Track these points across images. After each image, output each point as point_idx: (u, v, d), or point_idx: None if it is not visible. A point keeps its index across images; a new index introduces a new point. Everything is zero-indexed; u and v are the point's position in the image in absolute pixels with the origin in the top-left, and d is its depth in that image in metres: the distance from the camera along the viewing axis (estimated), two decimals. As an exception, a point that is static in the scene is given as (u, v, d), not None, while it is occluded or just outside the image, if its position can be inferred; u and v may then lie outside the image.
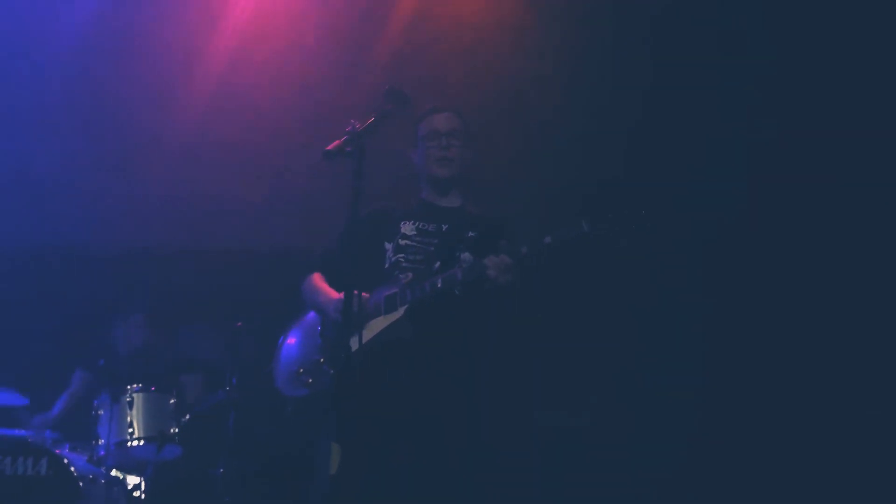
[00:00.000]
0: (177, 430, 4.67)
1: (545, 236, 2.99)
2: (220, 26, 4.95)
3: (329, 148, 2.79)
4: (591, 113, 4.84)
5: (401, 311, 3.14)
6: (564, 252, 3.01)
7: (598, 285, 4.85)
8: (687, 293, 4.84)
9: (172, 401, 4.74)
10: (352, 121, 2.84)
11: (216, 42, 5.01)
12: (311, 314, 3.43)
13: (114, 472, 4.62)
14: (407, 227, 3.31)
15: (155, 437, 4.61)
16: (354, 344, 2.95)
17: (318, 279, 3.40)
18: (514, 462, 4.68)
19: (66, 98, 5.15)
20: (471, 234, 3.29)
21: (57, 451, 4.34)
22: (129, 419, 4.63)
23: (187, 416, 4.74)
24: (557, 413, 5.00)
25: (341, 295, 3.15)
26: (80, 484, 4.22)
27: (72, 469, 4.25)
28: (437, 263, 3.20)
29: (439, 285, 3.09)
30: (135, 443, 4.61)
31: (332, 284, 3.35)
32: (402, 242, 3.28)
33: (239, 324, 4.79)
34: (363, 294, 3.06)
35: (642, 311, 4.95)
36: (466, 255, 3.14)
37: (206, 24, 4.90)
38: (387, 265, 3.27)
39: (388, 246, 3.30)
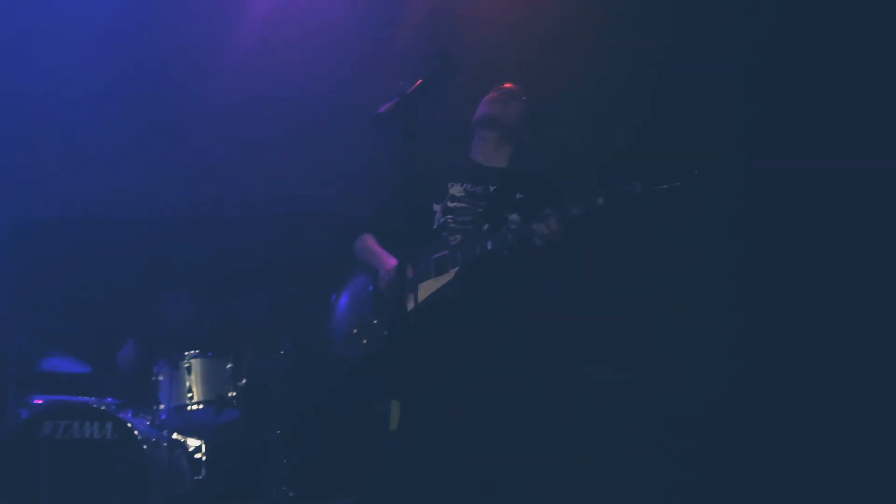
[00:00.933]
0: (234, 393, 4.78)
1: (597, 197, 3.00)
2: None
3: (380, 111, 2.81)
4: (638, 70, 4.79)
5: (451, 274, 3.17)
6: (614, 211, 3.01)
7: (645, 240, 4.83)
8: (737, 252, 4.80)
9: (229, 365, 4.84)
10: (401, 83, 2.86)
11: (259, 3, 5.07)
12: (363, 274, 3.47)
13: (175, 436, 4.74)
14: (455, 189, 3.34)
15: (213, 400, 4.72)
16: (407, 306, 3.02)
17: (369, 240, 3.45)
18: (564, 418, 4.73)
19: (114, 67, 5.23)
20: (519, 195, 3.30)
21: (121, 415, 4.46)
22: (187, 384, 4.75)
23: (244, 381, 4.85)
24: (604, 368, 5.03)
25: (393, 260, 3.22)
26: (144, 447, 4.34)
27: (136, 433, 4.36)
28: (486, 225, 3.22)
29: (489, 248, 3.11)
30: (194, 407, 4.72)
31: (383, 245, 3.40)
32: (450, 204, 3.31)
33: (291, 289, 4.87)
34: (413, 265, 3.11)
35: (688, 269, 4.92)
36: (515, 217, 3.16)
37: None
38: (435, 226, 3.30)
39: (437, 207, 3.33)
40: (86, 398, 4.68)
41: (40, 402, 4.69)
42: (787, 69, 4.52)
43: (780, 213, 4.62)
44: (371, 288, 3.36)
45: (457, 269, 3.17)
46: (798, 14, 4.42)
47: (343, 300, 3.50)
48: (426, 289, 3.18)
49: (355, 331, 3.34)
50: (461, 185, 3.35)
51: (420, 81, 2.88)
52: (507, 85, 3.50)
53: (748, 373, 4.68)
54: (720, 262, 4.82)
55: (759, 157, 4.57)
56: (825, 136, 4.45)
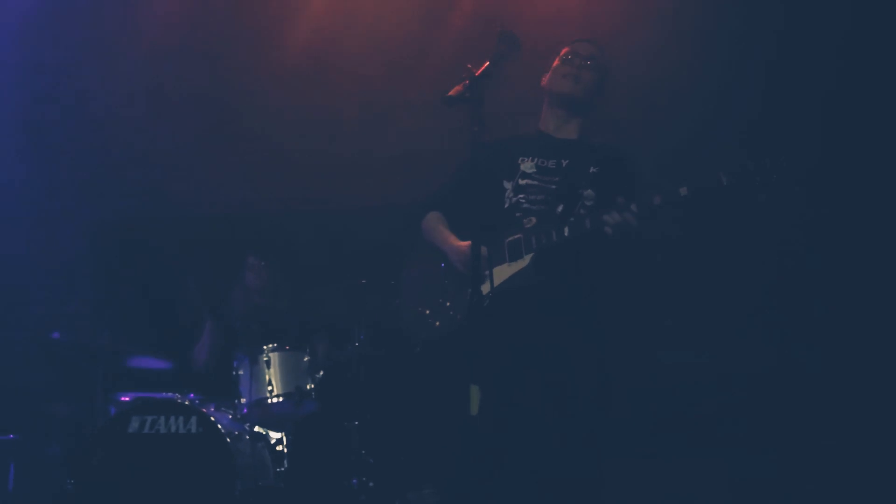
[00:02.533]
0: (312, 385, 4.84)
1: (681, 186, 2.92)
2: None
3: (450, 94, 2.79)
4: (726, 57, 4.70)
5: (527, 260, 3.11)
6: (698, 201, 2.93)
7: (722, 227, 4.74)
8: (820, 241, 4.67)
9: (306, 358, 4.91)
10: (468, 66, 2.84)
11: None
12: (433, 254, 3.38)
13: (257, 429, 4.82)
14: (526, 165, 3.25)
15: (292, 393, 4.78)
16: (482, 289, 2.99)
17: (437, 219, 3.39)
18: (638, 400, 4.67)
19: (176, 69, 5.35)
20: (593, 169, 3.21)
21: (204, 410, 4.55)
22: (267, 378, 4.82)
23: (321, 373, 4.91)
24: (680, 352, 4.95)
25: (464, 244, 3.18)
26: (228, 440, 4.42)
27: (219, 426, 4.45)
28: (560, 206, 3.15)
29: (566, 234, 3.05)
30: (274, 400, 4.79)
31: (451, 225, 3.34)
32: (521, 182, 3.23)
33: (363, 281, 4.90)
34: (484, 248, 3.07)
35: (766, 257, 4.81)
36: (590, 193, 3.09)
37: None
38: (506, 205, 3.22)
39: (508, 185, 3.24)
40: (170, 394, 4.79)
41: (127, 398, 4.82)
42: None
43: (866, 206, 4.49)
44: (443, 265, 3.30)
45: (532, 255, 3.11)
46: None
47: (413, 279, 3.43)
48: (500, 273, 3.13)
49: (428, 311, 3.29)
50: (532, 161, 3.26)
51: (487, 63, 2.86)
52: (580, 48, 3.33)
53: (826, 361, 4.57)
54: (800, 252, 4.71)
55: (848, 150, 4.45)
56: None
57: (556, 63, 3.36)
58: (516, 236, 3.14)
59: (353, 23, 5.12)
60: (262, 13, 5.15)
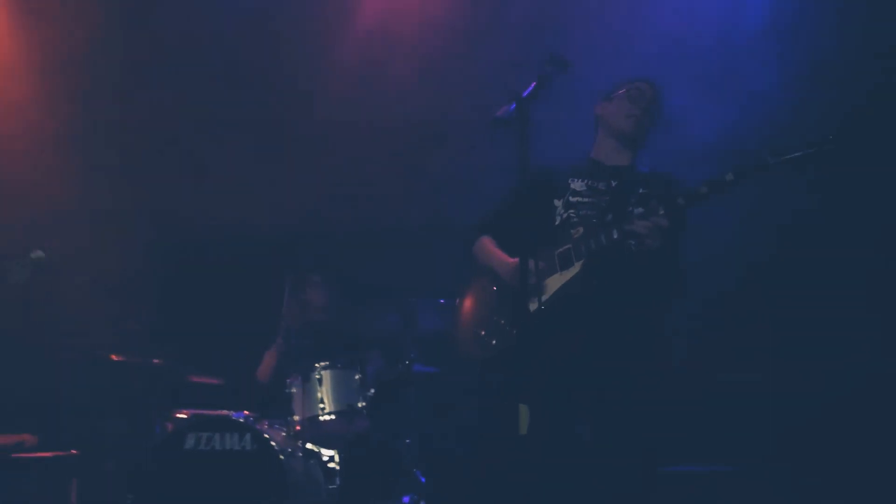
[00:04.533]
0: (364, 403, 4.88)
1: (726, 174, 2.94)
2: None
3: (497, 116, 2.83)
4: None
5: (577, 267, 3.13)
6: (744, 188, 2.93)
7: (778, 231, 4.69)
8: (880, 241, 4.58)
9: (357, 376, 4.94)
10: (515, 87, 2.88)
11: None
12: (485, 276, 3.43)
13: (309, 446, 4.87)
14: (576, 184, 3.30)
15: (344, 410, 4.83)
16: (535, 304, 3.01)
17: (489, 242, 3.44)
18: (693, 414, 4.62)
19: (230, 90, 5.49)
20: (642, 190, 3.25)
21: (258, 427, 4.62)
22: (319, 395, 4.87)
23: (372, 390, 4.95)
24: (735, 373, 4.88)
25: (516, 259, 3.20)
26: (281, 457, 4.49)
27: (272, 443, 4.52)
28: (609, 216, 3.18)
29: (615, 236, 3.06)
30: (326, 417, 4.84)
31: (502, 246, 3.38)
32: (572, 199, 3.27)
33: (414, 299, 4.94)
34: (537, 262, 3.09)
35: (826, 266, 4.73)
36: (639, 210, 3.11)
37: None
38: (557, 222, 3.26)
39: (558, 203, 3.29)
40: (225, 411, 4.88)
41: (183, 415, 4.92)
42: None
43: None
44: (496, 288, 3.35)
45: (582, 261, 3.13)
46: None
47: (467, 302, 3.48)
48: (552, 284, 3.15)
49: (483, 332, 3.32)
50: (582, 181, 3.32)
51: (534, 84, 2.89)
52: (645, 90, 3.37)
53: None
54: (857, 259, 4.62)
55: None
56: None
57: (617, 98, 3.40)
58: (566, 247, 3.17)
59: (397, 44, 5.20)
60: (309, 36, 5.26)
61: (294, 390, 4.93)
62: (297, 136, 5.62)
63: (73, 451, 4.94)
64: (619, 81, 3.45)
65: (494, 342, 3.27)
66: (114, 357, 4.96)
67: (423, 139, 5.52)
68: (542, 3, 5.11)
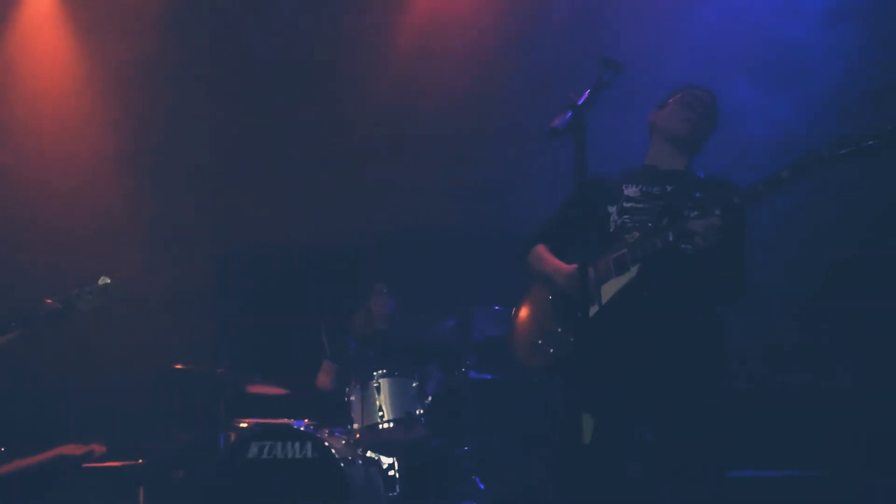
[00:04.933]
0: (422, 411, 4.91)
1: (782, 170, 2.91)
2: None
3: (553, 125, 2.82)
4: None
5: (634, 271, 3.10)
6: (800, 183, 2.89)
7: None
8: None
9: (415, 384, 4.97)
10: (570, 94, 2.87)
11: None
12: (541, 284, 3.42)
13: (369, 454, 4.92)
14: (631, 190, 3.28)
15: (403, 418, 4.86)
16: (592, 310, 3.00)
17: (543, 250, 3.42)
18: (754, 415, 4.55)
19: (288, 101, 5.57)
20: (697, 194, 3.21)
21: (319, 435, 4.68)
22: (377, 403, 4.91)
23: (430, 398, 4.97)
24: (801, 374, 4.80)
25: (571, 266, 3.20)
26: (342, 465, 4.53)
27: (333, 451, 4.57)
28: (665, 220, 3.15)
29: (671, 239, 3.03)
30: (385, 425, 4.87)
31: (556, 254, 3.37)
32: (626, 205, 3.25)
33: (469, 306, 4.95)
34: (591, 268, 3.08)
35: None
36: (696, 214, 3.08)
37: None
38: (612, 228, 3.24)
39: (612, 209, 3.27)
40: (286, 420, 4.95)
41: (246, 425, 5.00)
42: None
43: None
44: (551, 297, 3.34)
45: (638, 265, 3.10)
46: None
47: (523, 312, 3.47)
48: (609, 289, 3.13)
49: (540, 341, 3.31)
50: (636, 187, 3.29)
51: (589, 91, 2.88)
52: (702, 96, 3.35)
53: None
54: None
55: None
56: None
57: (672, 104, 3.37)
58: (621, 251, 3.15)
59: (445, 54, 5.23)
60: (360, 49, 5.32)
61: (353, 399, 4.99)
62: (354, 148, 5.68)
63: (140, 461, 5.05)
64: (674, 88, 3.42)
65: (552, 350, 3.26)
66: (178, 367, 5.07)
67: (475, 147, 5.54)
68: (587, 3, 5.08)
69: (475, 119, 5.46)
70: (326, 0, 5.44)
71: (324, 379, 5.42)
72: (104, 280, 4.18)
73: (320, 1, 5.40)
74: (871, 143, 2.84)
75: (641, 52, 4.52)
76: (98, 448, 5.01)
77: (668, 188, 3.27)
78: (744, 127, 4.71)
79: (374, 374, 4.96)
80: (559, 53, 5.07)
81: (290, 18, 5.52)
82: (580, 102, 2.81)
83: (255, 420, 5.04)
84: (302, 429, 4.72)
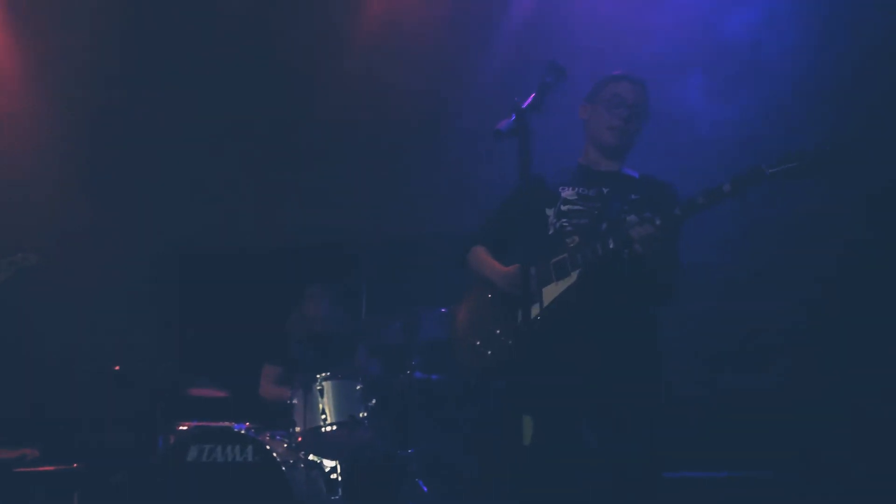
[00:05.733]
0: (365, 413, 4.88)
1: (723, 184, 2.93)
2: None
3: (499, 127, 2.83)
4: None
5: (574, 276, 3.12)
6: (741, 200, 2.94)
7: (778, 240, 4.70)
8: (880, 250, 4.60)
9: (359, 386, 4.93)
10: (515, 99, 2.88)
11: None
12: (480, 286, 3.42)
13: (311, 457, 4.87)
14: (567, 193, 3.29)
15: (346, 421, 4.81)
16: (532, 313, 3.01)
17: (483, 252, 3.42)
18: (694, 423, 4.62)
19: (229, 102, 5.50)
20: (633, 196, 3.24)
21: (260, 438, 4.62)
22: (320, 406, 4.85)
23: (373, 401, 4.94)
24: (739, 375, 4.89)
25: (511, 268, 3.21)
26: (283, 469, 4.49)
27: (274, 455, 4.52)
28: (604, 224, 3.18)
29: (611, 246, 3.06)
30: (328, 428, 4.82)
31: (496, 256, 3.37)
32: (563, 208, 3.26)
33: (416, 308, 4.94)
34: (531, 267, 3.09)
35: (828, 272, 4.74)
36: (632, 217, 3.11)
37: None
38: (551, 231, 3.25)
39: (550, 212, 3.28)
40: (227, 423, 4.87)
41: (185, 427, 4.91)
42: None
43: None
44: (490, 298, 3.33)
45: (578, 270, 3.12)
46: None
47: (463, 313, 3.47)
48: (549, 293, 3.14)
49: (479, 342, 3.31)
50: (573, 189, 3.30)
51: (533, 95, 2.89)
52: (625, 92, 3.31)
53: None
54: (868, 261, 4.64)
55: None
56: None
57: (599, 105, 3.35)
58: (562, 256, 3.17)
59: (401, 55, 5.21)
60: (310, 41, 5.28)
61: (295, 401, 4.93)
62: (294, 146, 5.62)
63: (75, 465, 4.93)
64: (600, 80, 3.38)
65: (490, 352, 3.26)
66: (117, 368, 4.96)
67: (423, 147, 5.53)
68: (544, 6, 5.10)
69: (423, 121, 5.45)
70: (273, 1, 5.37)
71: (267, 386, 5.34)
72: (24, 255, 4.06)
73: (267, 2, 5.33)
74: (806, 162, 2.86)
75: (595, 56, 4.55)
76: (30, 452, 4.89)
77: (604, 190, 3.29)
78: (692, 129, 4.77)
79: (318, 376, 4.92)
80: (513, 58, 5.08)
81: (235, 20, 5.44)
82: (524, 106, 2.83)
83: (195, 423, 4.95)
84: (242, 432, 4.66)
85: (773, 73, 4.74)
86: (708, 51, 4.79)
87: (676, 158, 4.39)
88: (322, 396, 4.88)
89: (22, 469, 4.78)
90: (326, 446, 4.93)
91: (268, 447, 4.56)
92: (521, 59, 4.97)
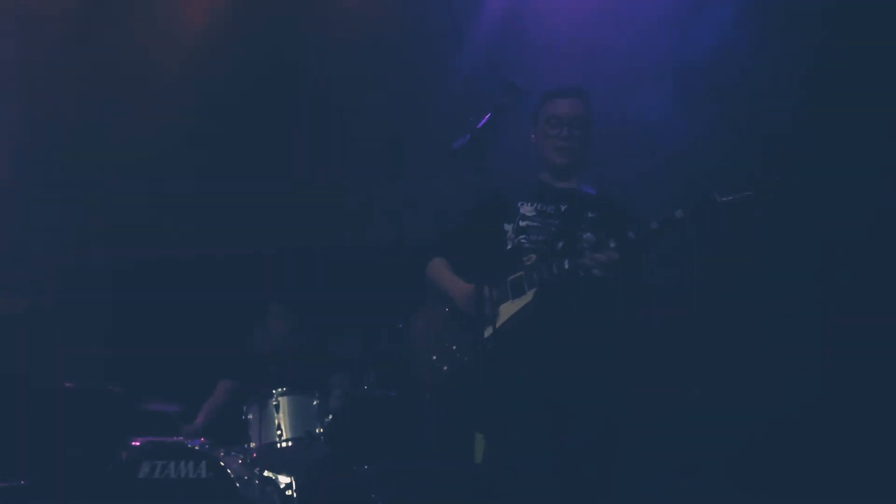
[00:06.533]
0: (322, 429, 4.85)
1: (676, 210, 2.96)
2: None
3: (455, 146, 2.85)
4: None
5: (529, 295, 3.13)
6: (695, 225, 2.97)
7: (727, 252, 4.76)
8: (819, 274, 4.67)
9: (316, 402, 4.91)
10: (470, 118, 2.90)
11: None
12: (438, 299, 3.40)
13: (266, 473, 4.82)
14: (526, 209, 3.30)
15: (302, 437, 4.79)
16: (487, 331, 3.02)
17: (442, 265, 3.41)
18: (649, 441, 4.65)
19: (187, 113, 5.45)
20: (590, 214, 3.27)
21: (214, 454, 4.57)
22: (276, 422, 4.83)
23: (330, 416, 4.92)
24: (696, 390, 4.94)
25: (469, 286, 3.20)
26: (237, 485, 4.44)
27: (228, 471, 4.47)
28: (560, 243, 3.20)
29: (566, 266, 3.08)
30: (283, 444, 4.79)
31: (455, 269, 3.37)
32: (522, 224, 3.27)
33: (374, 322, 4.93)
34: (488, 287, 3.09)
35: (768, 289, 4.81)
36: (589, 236, 3.14)
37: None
38: (509, 247, 3.26)
39: (508, 227, 3.29)
40: (180, 438, 4.81)
41: (137, 443, 4.84)
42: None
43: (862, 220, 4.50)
44: (448, 312, 3.33)
45: (534, 289, 3.13)
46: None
47: (420, 325, 3.45)
48: (505, 311, 3.15)
49: (435, 357, 3.30)
50: (531, 205, 3.32)
51: (489, 115, 2.91)
52: (562, 111, 3.33)
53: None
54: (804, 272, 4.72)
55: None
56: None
57: (541, 127, 3.37)
58: (518, 274, 3.18)
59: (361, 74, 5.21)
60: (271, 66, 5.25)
61: (251, 416, 4.89)
62: (254, 160, 5.58)
63: (23, 482, 4.84)
64: (536, 101, 3.40)
65: (446, 368, 3.25)
66: (67, 384, 4.88)
67: (386, 160, 5.53)
68: (509, 25, 5.12)
69: (386, 132, 5.45)
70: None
71: (219, 398, 5.29)
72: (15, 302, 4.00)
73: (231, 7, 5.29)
74: (754, 194, 2.90)
75: (560, 75, 4.59)
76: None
77: (562, 208, 3.31)
78: (658, 142, 4.81)
79: (274, 392, 4.88)
80: (478, 74, 5.09)
81: (176, 34, 5.38)
82: (479, 126, 2.84)
83: (147, 438, 4.88)
84: (196, 447, 4.60)
85: (735, 88, 4.79)
86: (671, 66, 4.84)
87: (645, 172, 4.46)
88: (278, 412, 4.85)
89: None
90: (282, 462, 4.89)
91: (222, 463, 4.51)
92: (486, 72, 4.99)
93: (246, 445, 4.85)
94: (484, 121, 2.87)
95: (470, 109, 2.97)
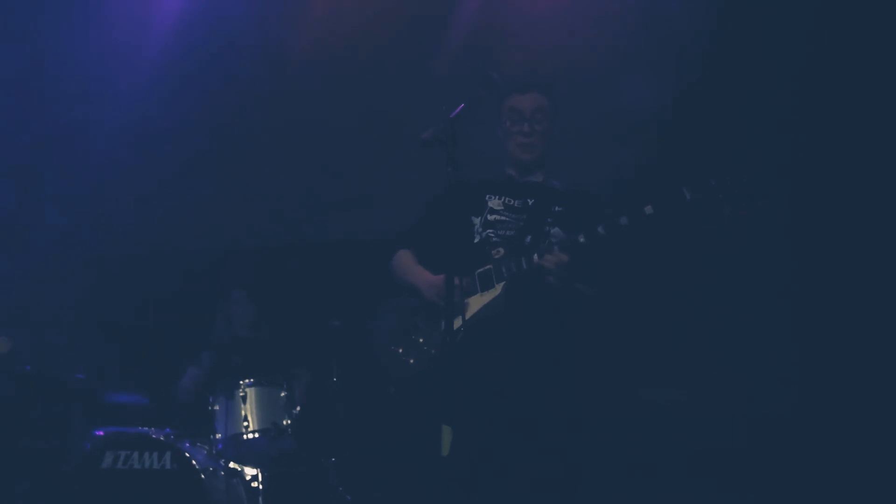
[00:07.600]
0: (289, 422, 4.81)
1: (645, 205, 2.96)
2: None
3: (424, 136, 2.82)
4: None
5: (498, 289, 3.13)
6: (665, 222, 2.97)
7: (695, 252, 4.78)
8: (791, 268, 4.71)
9: (283, 394, 4.88)
10: (443, 108, 2.88)
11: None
12: (405, 292, 3.38)
13: (232, 465, 4.77)
14: (493, 202, 3.30)
15: (269, 429, 4.75)
16: (455, 323, 2.99)
17: (408, 257, 3.39)
18: (613, 437, 4.67)
19: (161, 107, 5.37)
20: (557, 208, 3.27)
21: (179, 445, 4.51)
22: (243, 413, 4.78)
23: (298, 409, 4.88)
24: (658, 389, 4.96)
25: (437, 277, 3.19)
26: (202, 476, 4.39)
27: (193, 462, 4.42)
28: (529, 238, 3.19)
29: (535, 260, 3.07)
30: (250, 436, 4.75)
31: (421, 260, 3.35)
32: (490, 217, 3.27)
33: (342, 314, 4.90)
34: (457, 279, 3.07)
35: (743, 287, 4.84)
36: (557, 231, 3.13)
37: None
38: (476, 240, 3.25)
39: (476, 220, 3.28)
40: (145, 429, 4.75)
41: (101, 433, 4.77)
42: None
43: (833, 219, 4.54)
44: (414, 306, 3.31)
45: (503, 283, 3.12)
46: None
47: (387, 318, 3.43)
48: (473, 304, 3.15)
49: (401, 350, 3.29)
50: (499, 199, 3.31)
51: (462, 106, 2.89)
52: (524, 105, 3.30)
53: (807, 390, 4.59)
54: (773, 275, 4.75)
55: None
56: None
57: (503, 123, 3.35)
58: (486, 267, 3.17)
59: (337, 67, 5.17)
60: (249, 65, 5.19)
61: (217, 408, 4.84)
62: (222, 150, 5.52)
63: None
64: (501, 90, 3.30)
65: (412, 361, 3.24)
66: (27, 368, 4.80)
67: (347, 154, 5.48)
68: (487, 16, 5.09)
69: (352, 125, 5.40)
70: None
71: (188, 387, 5.24)
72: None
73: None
74: (724, 195, 2.88)
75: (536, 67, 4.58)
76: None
77: (530, 202, 3.30)
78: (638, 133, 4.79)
79: (241, 383, 4.83)
80: (454, 71, 5.06)
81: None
82: (451, 116, 2.82)
83: (111, 428, 4.81)
84: (161, 438, 4.54)
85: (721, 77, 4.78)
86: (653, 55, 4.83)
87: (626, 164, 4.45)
88: (245, 403, 4.80)
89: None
90: (248, 454, 4.84)
91: (187, 454, 4.46)
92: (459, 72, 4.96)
93: (212, 436, 4.80)
94: (457, 111, 2.85)
95: (445, 100, 2.95)
